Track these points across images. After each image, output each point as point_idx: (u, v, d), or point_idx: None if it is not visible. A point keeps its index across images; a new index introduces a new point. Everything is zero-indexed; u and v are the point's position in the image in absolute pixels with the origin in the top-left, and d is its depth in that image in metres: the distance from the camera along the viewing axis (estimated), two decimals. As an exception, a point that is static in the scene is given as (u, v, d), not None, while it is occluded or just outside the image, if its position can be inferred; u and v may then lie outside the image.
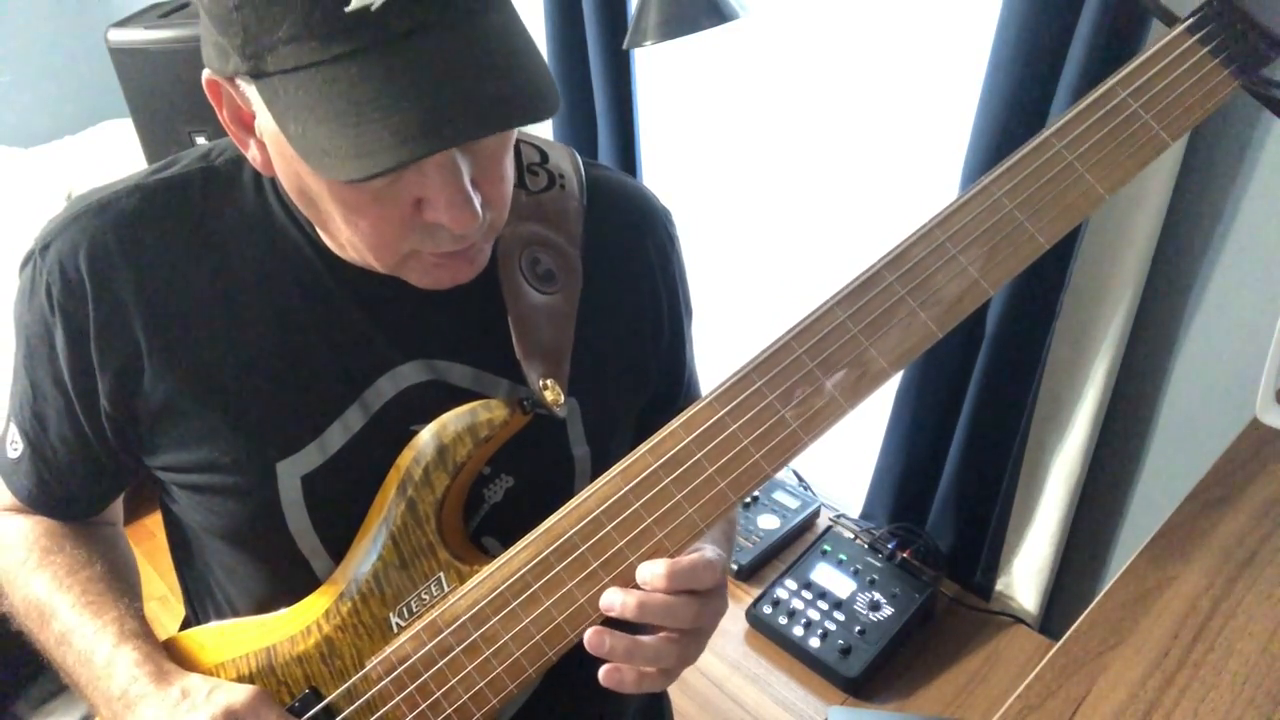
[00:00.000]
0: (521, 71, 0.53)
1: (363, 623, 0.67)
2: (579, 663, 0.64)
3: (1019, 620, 1.43)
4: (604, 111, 1.66)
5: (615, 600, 0.61)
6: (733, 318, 1.81)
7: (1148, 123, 0.58)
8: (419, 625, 0.66)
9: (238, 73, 0.54)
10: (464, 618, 0.65)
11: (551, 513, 0.67)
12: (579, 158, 0.78)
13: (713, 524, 0.63)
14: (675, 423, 0.62)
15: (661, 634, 0.62)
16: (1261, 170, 1.11)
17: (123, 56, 1.71)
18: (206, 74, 0.58)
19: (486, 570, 0.65)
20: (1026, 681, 0.83)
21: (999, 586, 1.51)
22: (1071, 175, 0.59)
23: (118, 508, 0.83)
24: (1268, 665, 0.81)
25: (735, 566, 1.50)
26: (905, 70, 1.38)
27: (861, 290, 0.60)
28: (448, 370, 0.70)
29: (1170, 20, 0.60)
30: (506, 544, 0.72)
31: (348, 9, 0.49)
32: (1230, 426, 1.09)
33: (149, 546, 2.14)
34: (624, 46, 1.04)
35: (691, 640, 0.64)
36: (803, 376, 0.60)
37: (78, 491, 0.76)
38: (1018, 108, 1.15)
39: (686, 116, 1.73)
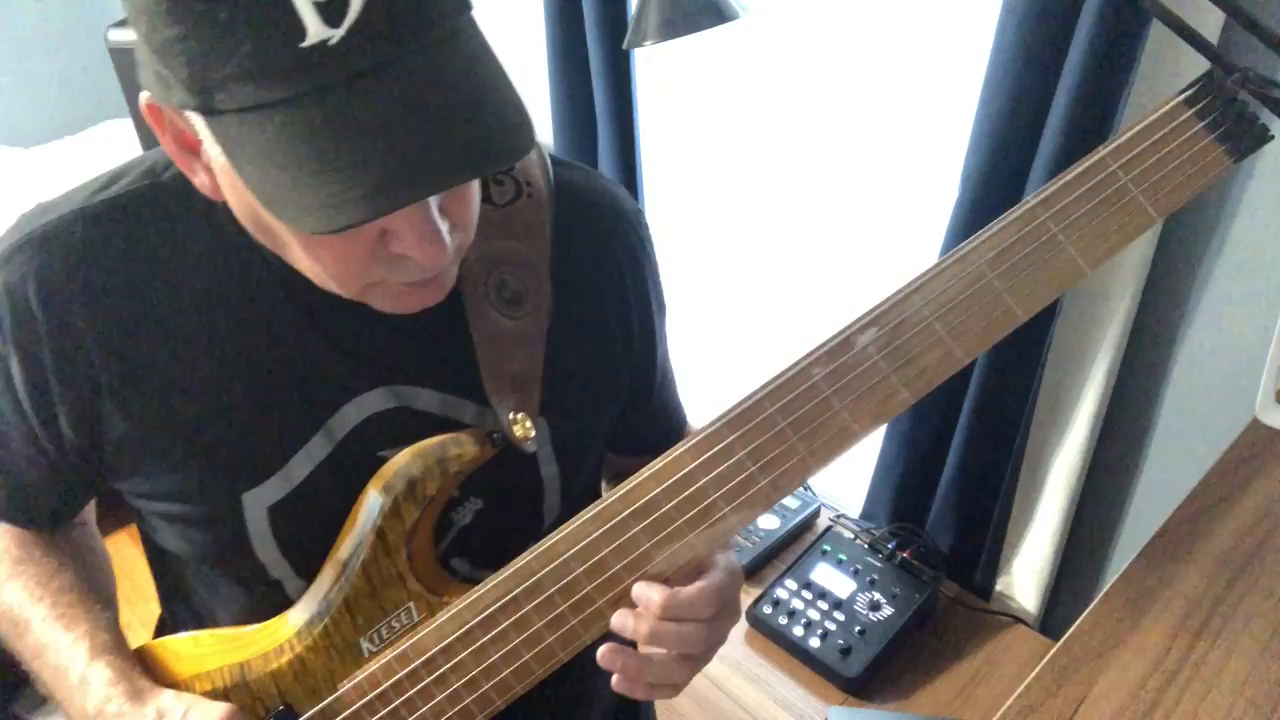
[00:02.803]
0: (493, 109, 0.50)
1: (334, 645, 0.68)
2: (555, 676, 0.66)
3: (1019, 620, 1.43)
4: (604, 111, 1.66)
5: (627, 624, 0.62)
6: (733, 318, 1.81)
7: (1136, 198, 0.56)
8: (390, 654, 0.67)
9: (184, 106, 0.49)
10: (434, 650, 0.66)
11: (519, 533, 0.67)
12: (547, 157, 0.75)
13: (681, 572, 0.64)
14: (647, 472, 0.62)
15: (672, 653, 0.63)
16: (1261, 170, 1.11)
17: (123, 56, 1.71)
18: (145, 97, 0.53)
19: (456, 605, 0.65)
20: (1026, 681, 0.83)
21: (999, 586, 1.51)
22: (1055, 248, 0.57)
23: (90, 506, 0.81)
24: (1268, 665, 0.81)
25: (735, 566, 1.50)
26: (905, 69, 1.38)
27: (837, 351, 0.59)
28: (414, 396, 0.69)
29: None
30: (476, 565, 0.73)
31: (304, 44, 0.45)
32: (1230, 426, 1.09)
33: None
34: (624, 46, 1.04)
35: (700, 659, 0.65)
36: (774, 435, 0.60)
37: (45, 504, 0.75)
38: (1018, 108, 1.15)
39: (687, 116, 1.72)
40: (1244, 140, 0.56)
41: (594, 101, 1.67)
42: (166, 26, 0.46)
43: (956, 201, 1.25)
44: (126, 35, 1.69)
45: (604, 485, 0.91)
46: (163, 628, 0.84)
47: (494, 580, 0.65)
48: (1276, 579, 0.89)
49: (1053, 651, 0.85)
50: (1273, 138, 0.56)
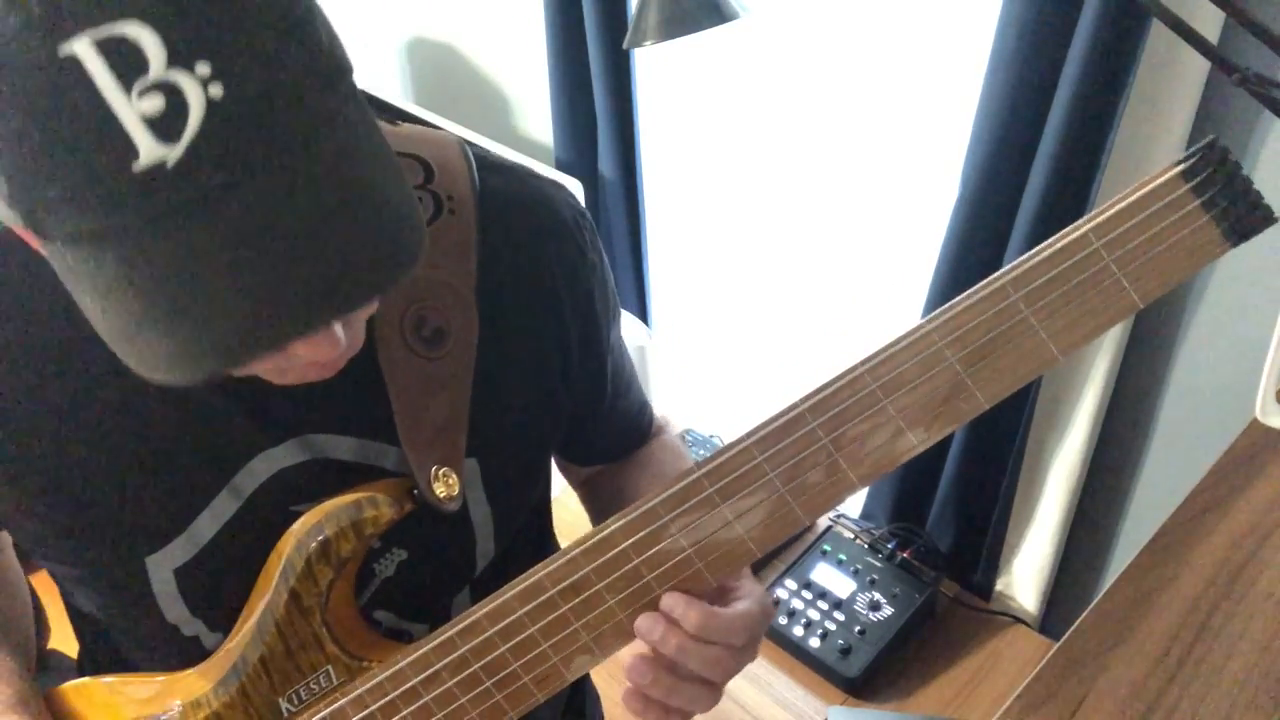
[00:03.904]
0: (372, 219, 0.43)
1: (252, 704, 0.64)
2: None
3: (1019, 620, 1.43)
4: (604, 111, 1.66)
5: (655, 631, 0.57)
6: (732, 317, 1.81)
7: (1119, 281, 0.50)
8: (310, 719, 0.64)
9: (12, 224, 0.42)
10: None
11: (448, 582, 0.64)
12: (471, 158, 0.66)
13: (609, 653, 0.60)
14: (576, 549, 0.58)
15: (699, 679, 0.59)
16: (1261, 170, 1.11)
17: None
18: None
19: (378, 675, 0.62)
20: (1026, 681, 0.83)
21: (999, 586, 1.51)
22: (1025, 332, 0.51)
23: (4, 536, 0.76)
24: (1268, 665, 0.81)
25: (735, 566, 1.50)
26: (905, 69, 1.38)
27: (781, 432, 0.55)
28: (327, 444, 0.62)
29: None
30: (401, 617, 0.69)
31: (137, 167, 0.38)
32: (1230, 427, 1.09)
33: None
34: (624, 46, 1.04)
35: (716, 691, 0.61)
36: (711, 515, 0.56)
37: None
38: (1018, 107, 1.15)
39: (687, 116, 1.73)
40: (1245, 222, 0.49)
41: (594, 101, 1.67)
42: None
43: (956, 201, 1.25)
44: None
45: (577, 490, 0.88)
46: (82, 664, 0.79)
47: (416, 653, 0.61)
48: (1276, 579, 0.89)
49: (1053, 651, 0.85)
50: (1278, 220, 0.49)
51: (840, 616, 1.38)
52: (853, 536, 1.51)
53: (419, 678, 0.61)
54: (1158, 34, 1.05)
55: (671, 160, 1.78)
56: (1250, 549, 0.92)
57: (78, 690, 0.69)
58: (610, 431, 0.82)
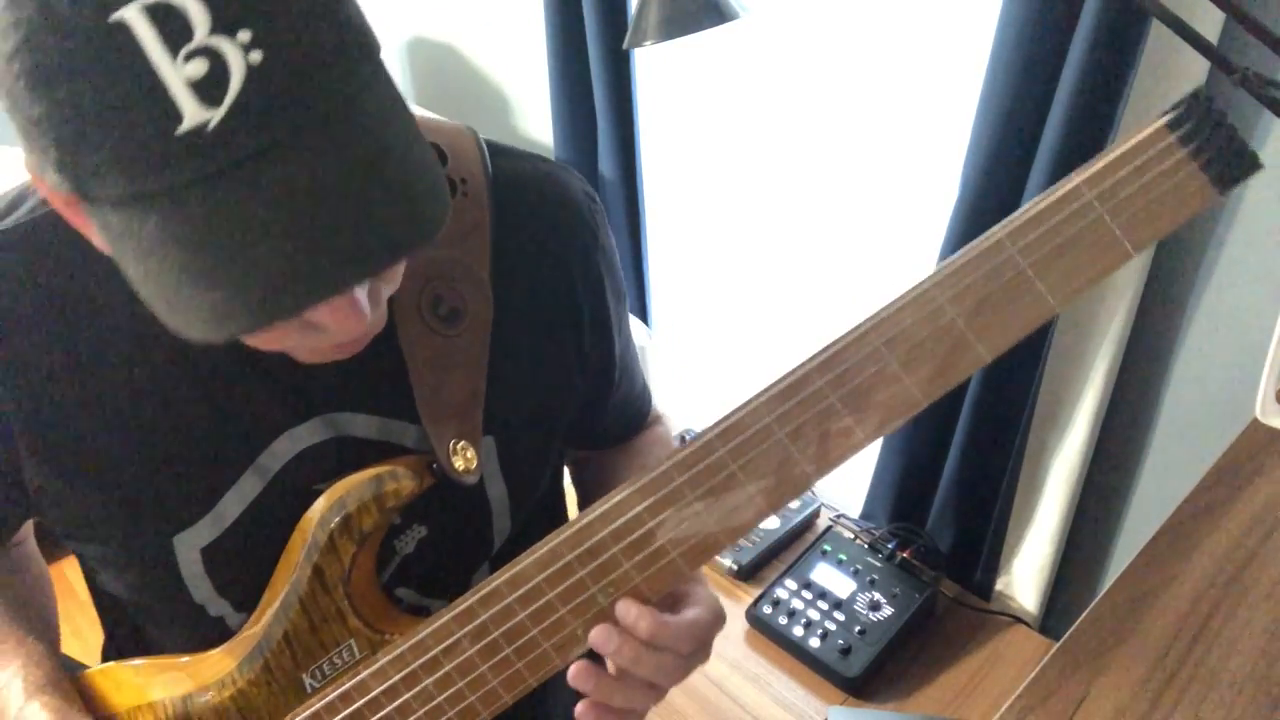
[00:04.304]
0: (400, 183, 0.45)
1: (276, 680, 0.66)
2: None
3: (1019, 620, 1.43)
4: (604, 111, 1.66)
5: (610, 642, 0.59)
6: (732, 317, 1.81)
7: (1112, 231, 0.51)
8: (333, 693, 0.65)
9: (59, 188, 0.44)
10: (377, 691, 0.64)
11: (467, 559, 0.65)
12: (483, 146, 0.68)
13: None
14: (594, 513, 0.59)
15: (642, 679, 0.60)
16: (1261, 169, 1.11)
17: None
18: (27, 162, 0.48)
19: (399, 647, 0.63)
20: (1026, 681, 0.83)
21: (999, 586, 1.51)
22: (1023, 284, 0.52)
23: (27, 526, 0.77)
24: (1268, 665, 0.81)
25: (735, 566, 1.50)
26: (905, 70, 1.38)
27: (789, 392, 0.56)
28: (349, 423, 0.64)
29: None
30: (422, 594, 0.71)
31: (180, 130, 0.40)
32: (1230, 427, 1.09)
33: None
34: (624, 46, 1.04)
35: (657, 691, 0.62)
36: (725, 477, 0.57)
37: None
38: (1017, 109, 1.15)
39: (687, 116, 1.73)
40: (1231, 169, 0.50)
41: (594, 101, 1.67)
42: (29, 104, 0.41)
43: (956, 203, 1.25)
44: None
45: (572, 479, 0.89)
46: (107, 651, 0.81)
47: (437, 622, 0.63)
48: (1277, 579, 0.89)
49: (1053, 651, 0.85)
50: (1262, 167, 0.51)
51: (840, 616, 1.38)
52: (853, 536, 1.51)
53: (440, 647, 0.62)
54: (1158, 34, 1.05)
55: (671, 160, 1.78)
56: (1250, 549, 0.92)
57: (104, 673, 0.70)
58: (616, 415, 0.83)
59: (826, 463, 0.57)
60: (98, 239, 0.47)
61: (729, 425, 0.57)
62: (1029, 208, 0.52)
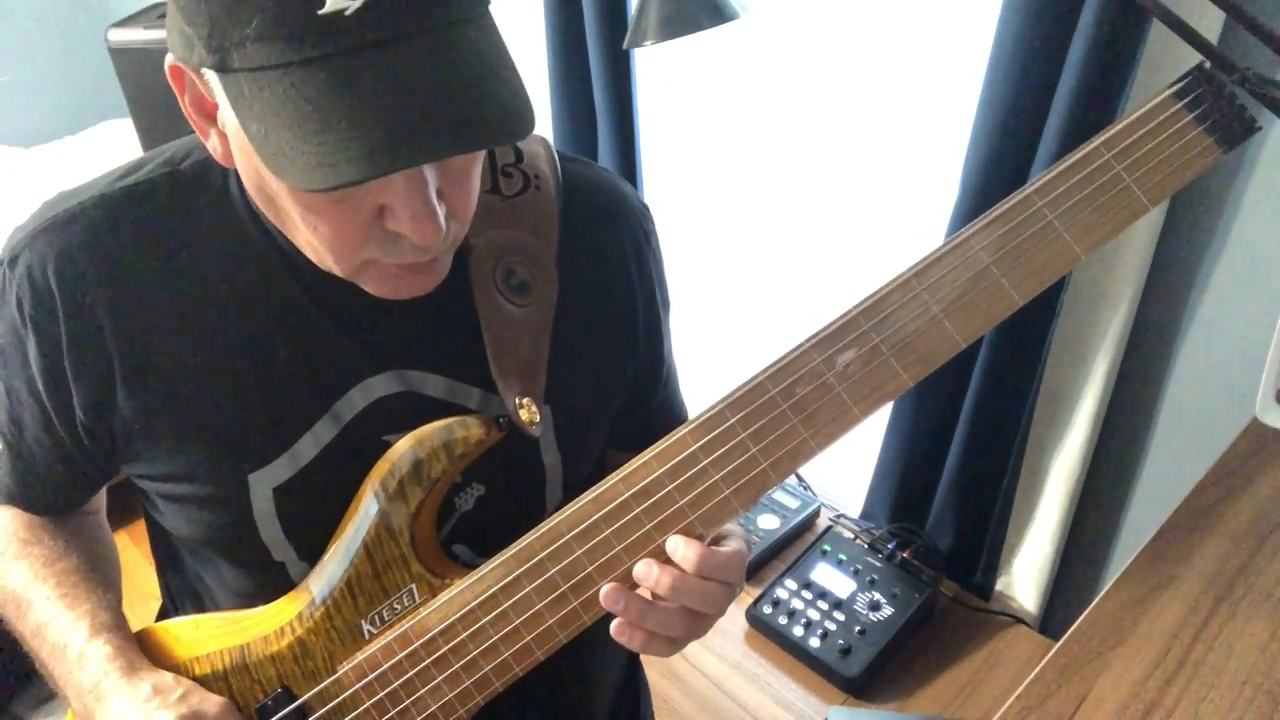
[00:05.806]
0: (496, 90, 0.51)
1: (335, 628, 0.68)
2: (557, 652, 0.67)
3: (1019, 620, 1.43)
4: (604, 111, 1.66)
5: (650, 574, 0.63)
6: (733, 316, 1.81)
7: (1129, 186, 0.58)
8: (390, 635, 0.67)
9: (202, 64, 0.51)
10: (435, 631, 0.66)
11: (521, 520, 0.67)
12: (554, 152, 0.77)
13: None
14: (649, 453, 0.63)
15: (678, 604, 0.64)
16: (1261, 170, 1.11)
17: (122, 56, 1.71)
18: (170, 59, 0.56)
19: (458, 586, 0.66)
20: (1026, 681, 0.83)
21: (999, 586, 1.51)
22: (1051, 234, 0.59)
23: (100, 496, 0.83)
24: (1268, 665, 0.81)
25: (735, 566, 1.50)
26: (905, 68, 1.38)
27: (837, 335, 0.61)
28: (421, 381, 0.70)
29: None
30: (478, 551, 0.73)
31: (321, 12, 0.47)
32: (1230, 426, 1.09)
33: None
34: (624, 46, 1.04)
35: (703, 619, 0.66)
36: (775, 416, 0.62)
37: (56, 490, 0.77)
38: (1018, 107, 1.15)
39: (687, 116, 1.73)
40: (1232, 131, 0.57)
41: (594, 101, 1.67)
42: None
43: (956, 201, 1.25)
44: (127, 35, 1.69)
45: None
46: (164, 615, 0.85)
47: (496, 561, 0.65)
48: (1276, 579, 0.89)
49: (1053, 651, 0.85)
50: (1260, 128, 0.58)
51: (840, 616, 1.37)
52: (853, 536, 1.51)
53: (499, 585, 0.65)
54: (1158, 34, 1.05)
55: (671, 160, 1.78)
56: (1250, 549, 0.92)
57: (165, 628, 0.74)
58: (658, 418, 0.87)
59: (871, 403, 0.61)
60: (226, 115, 0.53)
61: (780, 367, 0.62)
62: (1054, 167, 0.59)
